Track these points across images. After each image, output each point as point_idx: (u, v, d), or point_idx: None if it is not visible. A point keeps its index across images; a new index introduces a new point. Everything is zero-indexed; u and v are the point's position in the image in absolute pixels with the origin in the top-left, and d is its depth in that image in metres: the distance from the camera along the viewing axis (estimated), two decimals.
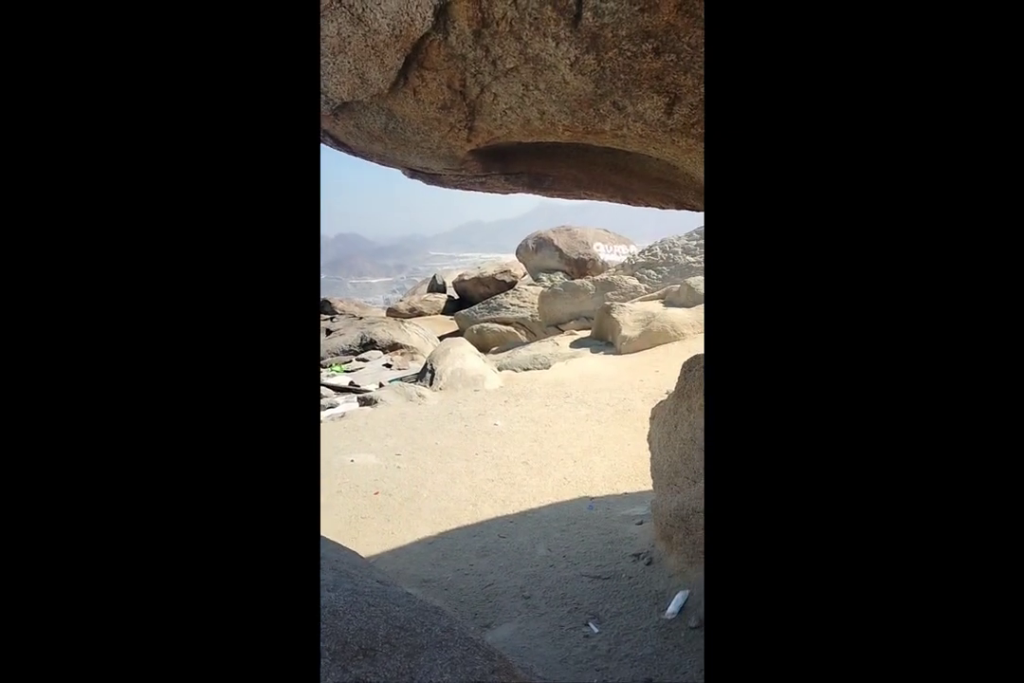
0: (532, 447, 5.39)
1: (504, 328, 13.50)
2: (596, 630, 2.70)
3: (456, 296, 18.57)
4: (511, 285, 16.05)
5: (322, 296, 20.14)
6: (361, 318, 15.48)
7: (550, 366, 8.59)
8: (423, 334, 13.73)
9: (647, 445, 3.42)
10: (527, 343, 11.47)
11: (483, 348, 11.10)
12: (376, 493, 4.60)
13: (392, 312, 18.35)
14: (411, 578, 3.27)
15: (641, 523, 3.62)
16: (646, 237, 17.10)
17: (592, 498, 4.21)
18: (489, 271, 17.84)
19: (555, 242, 15.11)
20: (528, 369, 8.68)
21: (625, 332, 8.94)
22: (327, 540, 2.30)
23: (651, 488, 3.42)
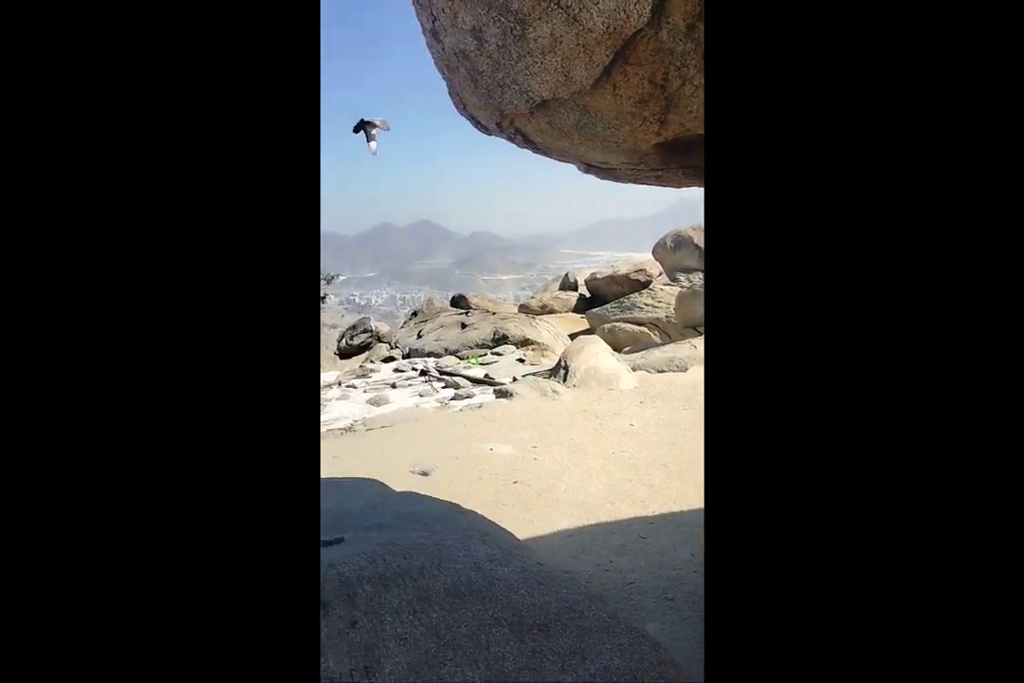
0: (671, 451, 5.26)
1: (637, 328, 13.27)
2: None
3: (587, 294, 18.54)
4: (645, 285, 15.72)
5: (457, 292, 21.11)
6: (494, 313, 15.95)
7: (687, 369, 8.32)
8: (554, 331, 13.87)
9: None
10: (661, 344, 11.19)
11: (615, 348, 10.96)
12: (515, 482, 4.74)
13: (524, 308, 18.72)
14: (552, 568, 3.34)
15: None
16: None
17: None
18: (623, 270, 17.61)
19: (695, 241, 14.56)
20: (663, 371, 8.47)
21: None
22: (488, 519, 2.42)
23: None
